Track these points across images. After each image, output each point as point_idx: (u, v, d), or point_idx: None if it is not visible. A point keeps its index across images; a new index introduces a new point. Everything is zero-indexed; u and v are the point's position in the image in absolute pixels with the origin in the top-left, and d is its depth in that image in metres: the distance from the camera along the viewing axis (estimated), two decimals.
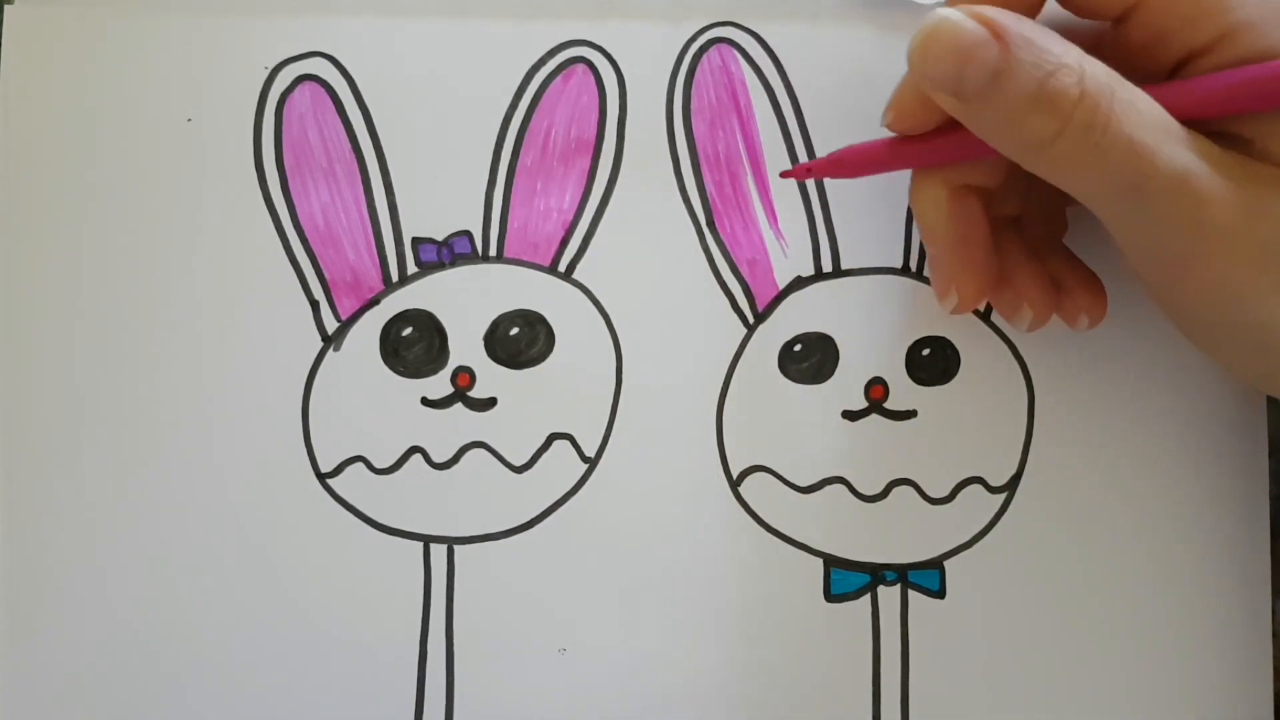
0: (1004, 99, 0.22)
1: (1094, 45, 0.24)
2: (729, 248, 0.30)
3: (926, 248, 0.28)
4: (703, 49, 0.30)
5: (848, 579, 0.29)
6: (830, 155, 0.27)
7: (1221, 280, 0.23)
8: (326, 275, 0.30)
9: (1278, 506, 0.30)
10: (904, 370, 0.30)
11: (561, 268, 0.30)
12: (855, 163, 0.27)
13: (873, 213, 0.27)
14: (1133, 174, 0.22)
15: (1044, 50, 0.22)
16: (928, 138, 0.25)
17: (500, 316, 0.30)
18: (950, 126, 0.25)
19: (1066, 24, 0.24)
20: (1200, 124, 0.23)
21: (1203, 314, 0.24)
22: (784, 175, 0.29)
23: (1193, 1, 0.22)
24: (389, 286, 0.30)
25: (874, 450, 0.30)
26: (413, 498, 0.29)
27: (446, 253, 0.30)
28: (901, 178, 0.27)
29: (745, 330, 0.30)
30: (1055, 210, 0.29)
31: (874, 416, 0.30)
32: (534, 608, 0.29)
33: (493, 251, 0.30)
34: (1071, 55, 0.22)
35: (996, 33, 0.21)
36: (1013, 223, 0.28)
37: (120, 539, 0.29)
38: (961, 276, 0.27)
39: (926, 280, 0.30)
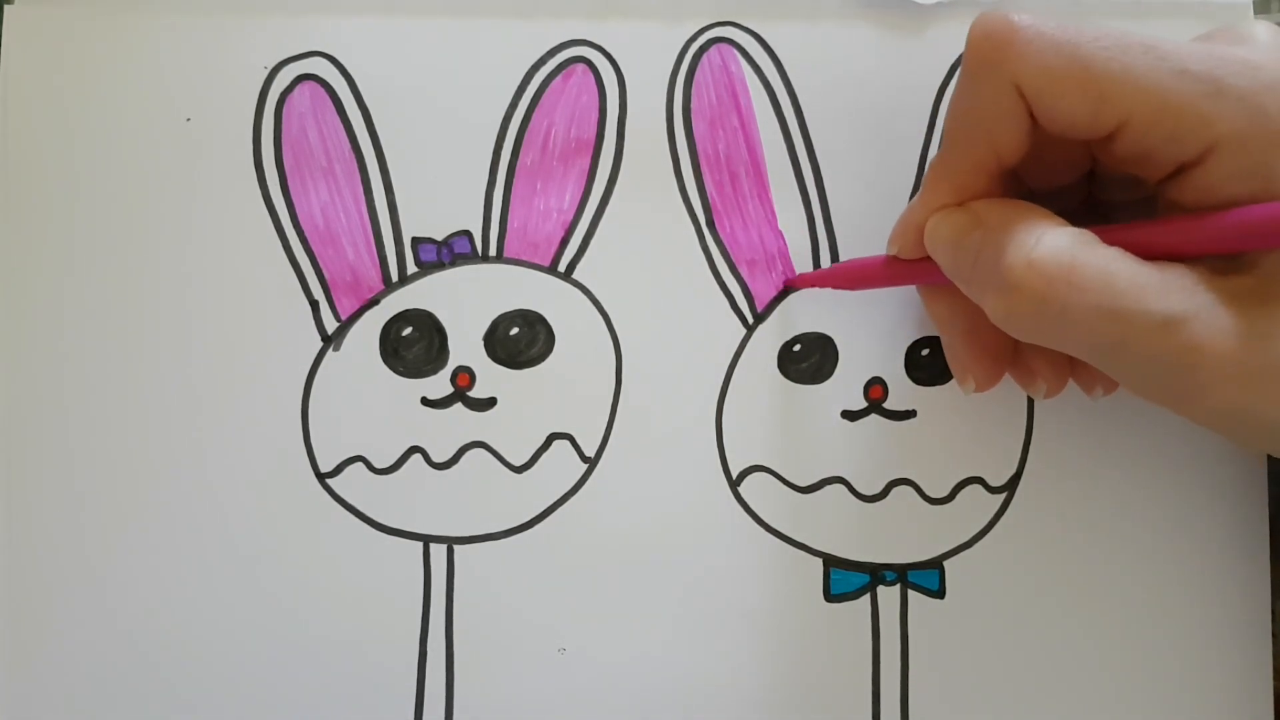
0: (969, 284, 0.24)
1: (1090, 157, 0.25)
2: (729, 248, 0.30)
3: (940, 335, 0.28)
4: (703, 49, 0.30)
5: (847, 579, 0.29)
6: (837, 266, 0.29)
7: (1224, 406, 0.22)
8: (326, 275, 0.30)
9: (1278, 507, 0.30)
10: (903, 370, 0.30)
11: (561, 268, 0.30)
12: (861, 276, 0.28)
13: (872, 213, 0.27)
14: (1111, 336, 0.22)
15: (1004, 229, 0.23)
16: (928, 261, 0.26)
17: (500, 316, 0.30)
18: None
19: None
20: None
21: (1207, 426, 0.24)
22: (788, 284, 0.29)
23: (1175, 120, 0.22)
24: (389, 286, 0.30)
25: (873, 450, 0.30)
26: (413, 498, 0.29)
27: (446, 252, 0.30)
28: (901, 172, 0.27)
29: (745, 330, 0.30)
30: None
31: (873, 416, 0.30)
32: (534, 608, 0.29)
33: (492, 251, 0.30)
34: (1030, 233, 0.22)
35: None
36: None
37: (120, 539, 0.29)
38: (975, 363, 0.27)
39: None
